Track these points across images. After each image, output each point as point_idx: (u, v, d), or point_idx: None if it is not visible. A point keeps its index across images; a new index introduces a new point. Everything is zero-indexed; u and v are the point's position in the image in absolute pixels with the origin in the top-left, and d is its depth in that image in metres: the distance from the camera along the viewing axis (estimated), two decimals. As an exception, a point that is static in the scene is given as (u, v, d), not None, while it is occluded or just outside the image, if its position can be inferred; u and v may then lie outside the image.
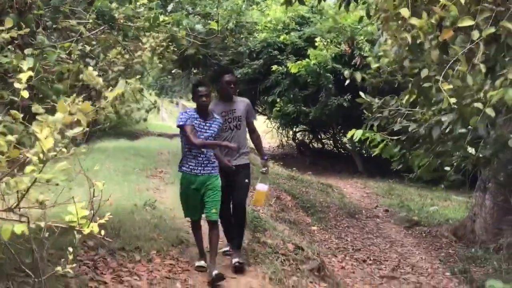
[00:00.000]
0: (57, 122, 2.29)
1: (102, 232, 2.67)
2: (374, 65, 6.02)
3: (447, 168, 6.49)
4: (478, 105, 4.33)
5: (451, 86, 3.99)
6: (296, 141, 25.89)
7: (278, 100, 19.89)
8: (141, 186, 10.19)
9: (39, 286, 3.70)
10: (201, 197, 6.38)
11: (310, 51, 17.93)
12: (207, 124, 6.39)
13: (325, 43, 18.12)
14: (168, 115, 38.29)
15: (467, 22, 3.89)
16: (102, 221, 2.76)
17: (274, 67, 18.81)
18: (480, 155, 7.23)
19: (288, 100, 19.53)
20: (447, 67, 4.04)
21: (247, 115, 6.96)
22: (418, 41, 4.08)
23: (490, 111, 4.32)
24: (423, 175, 7.40)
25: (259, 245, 7.63)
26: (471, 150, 8.55)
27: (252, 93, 20.66)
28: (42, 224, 2.64)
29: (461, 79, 4.10)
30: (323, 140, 26.01)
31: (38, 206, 2.50)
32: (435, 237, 12.61)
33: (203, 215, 6.55)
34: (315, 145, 26.07)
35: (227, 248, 7.09)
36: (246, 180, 6.92)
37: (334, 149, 25.57)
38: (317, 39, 18.24)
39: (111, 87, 3.76)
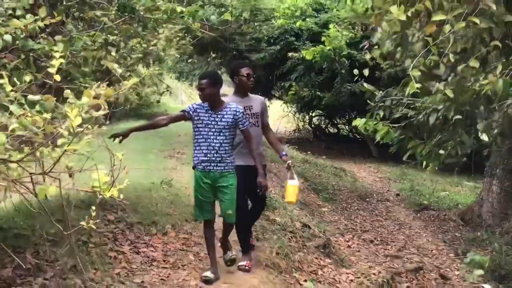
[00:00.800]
0: (84, 105, 2.77)
1: (121, 196, 3.15)
2: (368, 57, 6.36)
3: (442, 152, 6.84)
4: (448, 91, 4.73)
5: (419, 73, 4.41)
6: (312, 125, 26.21)
7: (293, 84, 20.19)
8: (159, 166, 10.67)
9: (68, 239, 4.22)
10: (213, 194, 6.02)
11: (325, 37, 18.20)
12: (219, 116, 5.93)
13: (339, 30, 18.38)
14: (187, 98, 38.75)
15: (440, 17, 4.30)
16: (121, 186, 3.23)
17: (290, 54, 19.07)
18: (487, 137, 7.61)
19: (304, 85, 19.86)
20: (418, 56, 4.45)
21: (262, 114, 6.66)
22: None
23: (449, 93, 4.73)
24: (425, 161, 7.77)
25: (268, 222, 8.08)
26: (483, 136, 8.90)
27: (269, 78, 21.05)
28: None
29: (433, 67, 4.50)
30: (339, 125, 26.32)
31: (67, 171, 2.97)
32: (443, 221, 12.98)
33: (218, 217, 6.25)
34: (331, 130, 26.38)
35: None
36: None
37: (350, 134, 25.87)
38: (331, 25, 18.53)
39: (129, 73, 4.23)
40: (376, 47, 6.53)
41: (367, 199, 14.36)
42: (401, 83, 6.79)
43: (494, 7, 4.29)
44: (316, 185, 13.91)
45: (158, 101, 7.85)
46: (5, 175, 2.88)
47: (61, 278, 5.51)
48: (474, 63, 4.59)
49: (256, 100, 6.69)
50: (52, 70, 2.93)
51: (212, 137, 5.93)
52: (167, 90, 7.94)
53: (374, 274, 7.87)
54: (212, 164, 5.94)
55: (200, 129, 5.96)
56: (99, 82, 2.98)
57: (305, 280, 6.76)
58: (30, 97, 2.97)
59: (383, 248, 10.17)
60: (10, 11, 3.32)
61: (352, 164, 19.88)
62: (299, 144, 21.80)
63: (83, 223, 3.34)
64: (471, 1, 4.34)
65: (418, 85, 4.39)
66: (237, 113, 5.97)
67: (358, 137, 24.96)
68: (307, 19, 20.23)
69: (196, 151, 6.03)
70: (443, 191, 16.48)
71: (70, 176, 3.52)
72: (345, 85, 18.87)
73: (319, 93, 19.66)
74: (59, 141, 2.83)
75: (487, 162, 12.75)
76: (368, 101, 8.02)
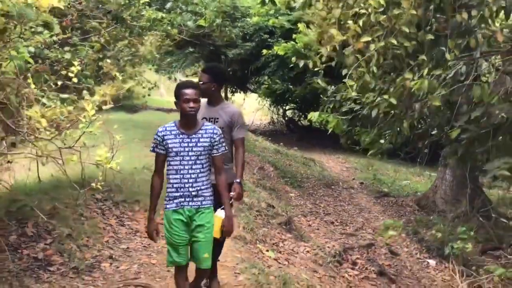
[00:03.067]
0: (96, 101, 3.87)
1: (118, 167, 4.23)
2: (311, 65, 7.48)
3: (382, 141, 8.03)
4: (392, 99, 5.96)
5: (353, 83, 5.60)
6: (286, 118, 27.32)
7: (266, 78, 21.30)
8: (140, 154, 11.67)
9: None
10: (188, 233, 4.92)
11: (296, 36, 19.24)
12: (193, 140, 4.83)
13: (310, 27, 19.37)
14: (166, 90, 39.65)
15: (366, 38, 5.48)
16: (118, 160, 4.32)
17: (264, 51, 20.06)
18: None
19: (277, 79, 20.99)
20: (352, 68, 5.66)
21: (233, 127, 5.64)
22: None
23: (393, 100, 5.92)
24: (369, 148, 8.99)
25: (237, 202, 9.14)
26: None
27: (245, 72, 22.19)
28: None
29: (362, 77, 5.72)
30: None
31: (84, 146, 4.07)
32: (400, 206, 14.17)
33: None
34: (304, 122, 27.44)
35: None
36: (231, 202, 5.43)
37: (321, 126, 26.97)
38: (300, 24, 19.57)
39: (122, 73, 5.36)
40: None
41: (333, 187, 15.47)
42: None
43: (407, 30, 5.47)
44: (285, 174, 15.00)
45: (149, 95, 8.70)
46: (43, 150, 3.97)
47: (59, 243, 6.59)
48: (408, 74, 5.85)
49: (226, 111, 5.69)
50: (71, 74, 4.02)
51: (186, 168, 4.84)
52: (155, 86, 8.97)
53: (328, 247, 9.00)
54: (187, 199, 4.86)
55: (171, 159, 4.86)
56: (106, 84, 4.08)
57: (267, 250, 7.84)
58: (61, 95, 4.06)
59: (341, 228, 11.30)
60: (33, 29, 4.34)
61: (322, 155, 20.98)
62: (272, 136, 22.91)
63: (93, 184, 4.43)
64: (388, 26, 5.53)
65: (354, 94, 5.57)
66: (215, 136, 4.91)
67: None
68: (280, 17, 21.28)
69: (167, 189, 4.95)
70: (405, 180, 17.68)
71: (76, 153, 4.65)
72: (313, 78, 19.95)
73: (291, 86, 20.79)
74: (80, 126, 3.94)
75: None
76: (320, 95, 9.23)
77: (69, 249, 6.51)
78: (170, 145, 4.80)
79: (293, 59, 8.40)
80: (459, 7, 5.75)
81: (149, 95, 9.04)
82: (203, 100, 5.49)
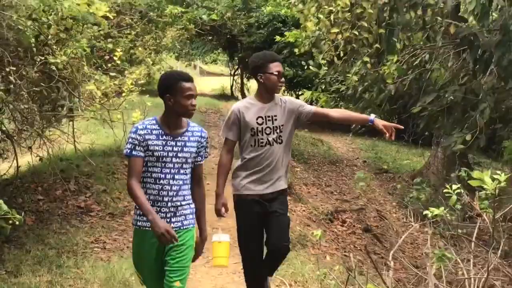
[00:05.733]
0: (134, 78, 5.48)
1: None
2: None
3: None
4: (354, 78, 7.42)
5: (325, 61, 7.14)
6: (299, 102, 28.63)
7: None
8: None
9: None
10: (162, 257, 3.95)
11: (305, 24, 20.60)
12: (179, 143, 3.93)
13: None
14: (186, 77, 41.21)
15: (335, 30, 6.99)
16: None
17: (278, 38, 21.43)
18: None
19: (288, 65, 22.40)
20: (322, 54, 7.17)
21: (299, 118, 4.79)
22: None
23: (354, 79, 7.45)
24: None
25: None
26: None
27: (259, 59, 23.55)
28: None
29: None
30: (322, 103, 28.77)
31: (125, 109, 5.68)
32: (397, 181, 15.58)
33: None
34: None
35: None
36: (288, 215, 4.86)
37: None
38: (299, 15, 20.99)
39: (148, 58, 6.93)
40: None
41: (337, 164, 16.86)
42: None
43: (366, 24, 6.99)
44: (293, 151, 16.19)
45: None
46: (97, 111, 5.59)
47: (96, 196, 8.18)
48: (366, 58, 7.36)
49: (283, 105, 4.77)
50: (115, 58, 5.60)
51: (168, 177, 3.91)
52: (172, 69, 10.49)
53: (322, 208, 10.47)
54: (165, 220, 3.84)
55: (150, 165, 3.90)
56: (134, 66, 5.65)
57: (268, 208, 9.32)
58: (111, 74, 5.66)
59: (339, 197, 12.75)
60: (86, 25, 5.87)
61: (330, 137, 22.26)
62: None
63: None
64: (350, 21, 7.07)
65: (324, 71, 7.13)
66: (202, 140, 4.09)
67: (340, 114, 27.35)
68: (293, 8, 22.61)
69: None
70: (406, 160, 19.01)
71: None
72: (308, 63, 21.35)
73: (300, 72, 22.15)
74: (123, 94, 5.56)
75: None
76: (313, 78, 10.75)
77: (105, 200, 8.12)
78: (151, 148, 3.85)
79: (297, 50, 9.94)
80: (410, 6, 7.22)
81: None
82: (250, 98, 4.87)
